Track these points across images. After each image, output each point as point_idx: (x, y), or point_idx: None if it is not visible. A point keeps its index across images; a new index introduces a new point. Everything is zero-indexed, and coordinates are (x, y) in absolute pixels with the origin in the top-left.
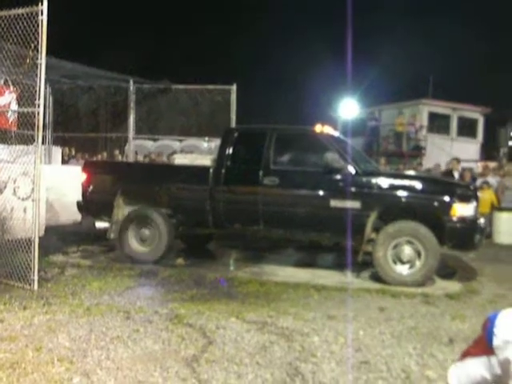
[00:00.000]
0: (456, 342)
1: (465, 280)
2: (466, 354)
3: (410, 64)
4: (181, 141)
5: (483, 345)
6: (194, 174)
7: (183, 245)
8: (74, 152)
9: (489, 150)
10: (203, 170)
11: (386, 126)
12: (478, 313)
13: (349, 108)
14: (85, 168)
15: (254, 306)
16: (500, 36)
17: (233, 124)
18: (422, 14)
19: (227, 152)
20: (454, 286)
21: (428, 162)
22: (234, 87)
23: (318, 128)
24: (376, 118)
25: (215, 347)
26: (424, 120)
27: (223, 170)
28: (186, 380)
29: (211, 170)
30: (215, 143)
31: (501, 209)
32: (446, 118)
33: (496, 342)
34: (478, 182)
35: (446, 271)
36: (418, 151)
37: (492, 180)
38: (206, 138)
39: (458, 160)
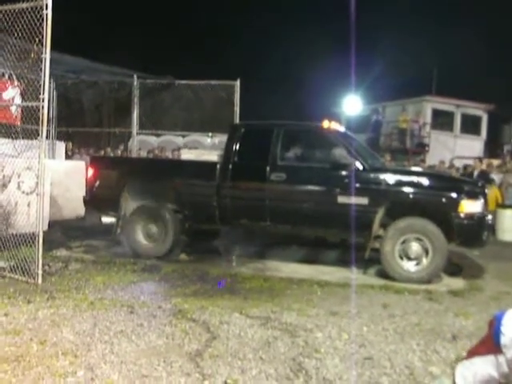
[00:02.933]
0: (459, 339)
1: (468, 277)
2: (472, 353)
3: (414, 61)
4: (184, 136)
5: (490, 343)
6: (201, 169)
7: (187, 240)
8: (77, 147)
9: (492, 148)
10: (210, 165)
11: (390, 122)
12: (482, 310)
13: (352, 104)
14: (91, 163)
15: (257, 301)
16: (504, 33)
17: (236, 120)
18: (426, 11)
19: (234, 148)
20: (457, 282)
21: (431, 159)
22: (237, 83)
23: (326, 124)
24: (380, 112)
25: (219, 342)
26: (427, 117)
27: (230, 166)
28: (190, 375)
29: (218, 166)
30: (218, 139)
31: (504, 206)
32: (449, 115)
33: (504, 340)
34: (475, 173)
35: (452, 268)
36: (421, 148)
37: (496, 177)
38: (210, 134)
39: (480, 160)
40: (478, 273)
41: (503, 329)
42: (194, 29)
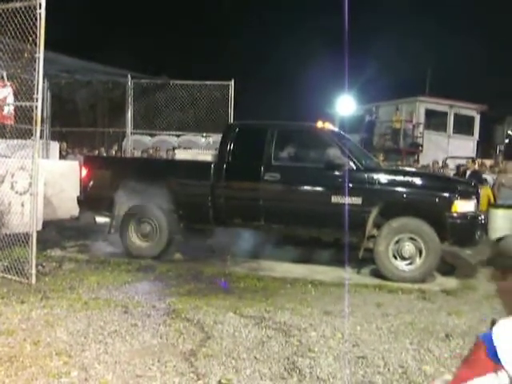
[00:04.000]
0: (452, 338)
1: (461, 276)
2: (466, 377)
3: (408, 61)
4: (178, 136)
5: (486, 363)
6: (196, 169)
7: (182, 239)
8: (71, 147)
9: (485, 148)
10: (204, 165)
11: (384, 122)
12: (474, 308)
13: (346, 104)
14: (85, 163)
15: (251, 301)
16: (497, 34)
17: (230, 120)
18: (421, 12)
19: (228, 148)
20: (450, 281)
21: (424, 159)
22: (231, 83)
23: (320, 124)
24: (373, 113)
25: (213, 342)
26: (421, 117)
27: (224, 166)
28: (184, 374)
29: (212, 166)
30: (213, 139)
31: (497, 205)
32: (442, 115)
33: (503, 356)
34: (468, 173)
35: (445, 267)
36: (415, 148)
37: (488, 177)
38: (204, 134)
39: (473, 160)
40: (471, 272)
41: (497, 344)
42: (191, 29)
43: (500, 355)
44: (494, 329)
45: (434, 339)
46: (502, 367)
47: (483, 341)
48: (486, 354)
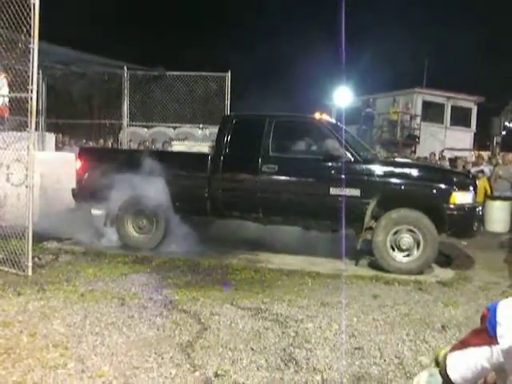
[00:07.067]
0: (448, 329)
1: (458, 267)
2: (464, 345)
3: (405, 53)
4: (175, 128)
5: (485, 335)
6: (193, 161)
7: (178, 231)
8: (67, 139)
9: (482, 139)
10: (201, 157)
11: (381, 114)
12: (470, 299)
13: (343, 96)
14: (80, 155)
15: (248, 292)
16: (495, 26)
17: (227, 111)
18: (417, 3)
19: (226, 139)
20: (446, 273)
21: (421, 151)
22: (228, 74)
23: (317, 115)
24: (371, 105)
25: (210, 333)
26: (418, 109)
27: (221, 158)
28: (181, 365)
29: (209, 157)
30: (209, 130)
31: (493, 197)
32: (439, 107)
33: (500, 330)
34: (473, 170)
35: (441, 258)
36: (412, 140)
37: (486, 169)
38: (201, 125)
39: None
40: (467, 263)
41: (499, 319)
42: (188, 20)
43: (498, 330)
44: (501, 302)
45: (431, 330)
46: (496, 341)
47: (488, 310)
48: (486, 326)
